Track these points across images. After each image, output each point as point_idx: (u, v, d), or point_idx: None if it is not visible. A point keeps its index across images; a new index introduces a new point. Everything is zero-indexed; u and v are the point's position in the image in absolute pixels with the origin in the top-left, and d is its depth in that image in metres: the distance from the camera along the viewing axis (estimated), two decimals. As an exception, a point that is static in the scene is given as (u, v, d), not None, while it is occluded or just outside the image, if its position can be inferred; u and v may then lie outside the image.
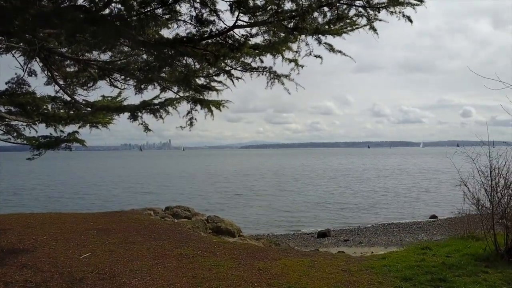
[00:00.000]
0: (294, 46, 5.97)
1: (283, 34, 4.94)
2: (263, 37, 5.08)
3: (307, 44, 5.04)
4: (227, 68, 6.08)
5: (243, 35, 5.10)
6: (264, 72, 5.82)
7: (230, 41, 5.13)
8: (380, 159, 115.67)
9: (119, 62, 7.22)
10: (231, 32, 5.01)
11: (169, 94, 8.25)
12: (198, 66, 6.22)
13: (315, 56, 5.24)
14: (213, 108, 7.25)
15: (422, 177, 47.29)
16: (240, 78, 6.38)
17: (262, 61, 5.77)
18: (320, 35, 4.98)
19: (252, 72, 5.82)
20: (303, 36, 5.12)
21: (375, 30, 4.85)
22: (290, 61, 6.12)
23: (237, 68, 5.88)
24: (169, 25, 6.43)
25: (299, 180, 44.53)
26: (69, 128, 9.66)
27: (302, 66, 5.80)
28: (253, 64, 5.78)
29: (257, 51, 5.87)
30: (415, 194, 31.98)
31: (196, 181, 44.53)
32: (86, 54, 7.42)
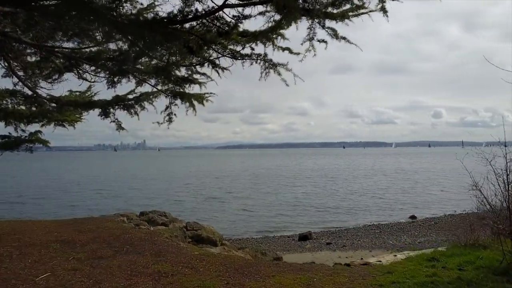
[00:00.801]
0: (286, 32, 5.31)
1: (279, 16, 4.24)
2: (259, 18, 4.34)
3: (308, 28, 4.37)
4: (213, 56, 5.29)
5: (234, 16, 4.36)
6: (258, 60, 5.09)
7: (218, 24, 4.38)
8: (355, 160, 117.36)
9: (88, 50, 6.34)
10: (220, 12, 4.27)
11: (145, 88, 7.43)
12: (179, 56, 5.43)
13: (319, 40, 4.57)
14: (195, 103, 6.46)
15: (397, 178, 47.83)
16: (226, 69, 5.64)
17: (253, 49, 5.06)
18: (321, 19, 4.32)
19: (244, 60, 5.08)
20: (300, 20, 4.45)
21: (386, 12, 4.23)
22: (283, 49, 5.45)
23: (227, 56, 5.11)
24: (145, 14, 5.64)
25: (276, 181, 44.05)
26: (32, 127, 8.65)
27: (298, 54, 5.13)
28: (244, 52, 5.03)
29: (245, 38, 5.17)
30: (392, 195, 32.06)
31: (171, 183, 43.16)
32: (49, 41, 6.48)
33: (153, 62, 6.63)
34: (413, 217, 22.22)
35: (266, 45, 5.37)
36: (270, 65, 5.16)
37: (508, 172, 4.70)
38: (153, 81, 6.56)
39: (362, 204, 27.28)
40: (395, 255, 9.12)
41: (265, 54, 5.09)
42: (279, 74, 5.19)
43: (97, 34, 5.30)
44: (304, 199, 29.29)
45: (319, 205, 26.41)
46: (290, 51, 5.47)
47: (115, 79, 6.99)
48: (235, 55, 5.03)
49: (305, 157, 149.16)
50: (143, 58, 6.33)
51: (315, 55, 4.71)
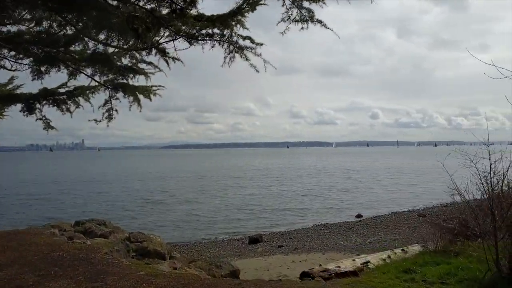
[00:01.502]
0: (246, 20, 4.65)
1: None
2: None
3: (283, 5, 3.72)
4: (163, 41, 4.43)
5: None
6: (222, 42, 4.32)
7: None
8: (299, 159, 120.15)
9: (4, 30, 5.14)
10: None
11: (80, 81, 6.31)
12: (121, 39, 4.50)
13: (297, 20, 3.93)
14: (140, 96, 5.49)
15: (340, 177, 49.19)
16: (177, 59, 4.82)
17: (210, 34, 4.30)
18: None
19: (204, 42, 4.29)
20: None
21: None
22: (244, 38, 4.77)
23: (183, 36, 4.27)
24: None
25: (222, 183, 43.20)
26: None
27: (261, 45, 4.48)
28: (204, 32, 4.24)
29: (200, 23, 4.41)
30: (337, 194, 32.67)
31: (111, 186, 40.14)
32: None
33: (89, 51, 5.61)
34: (359, 216, 22.60)
35: (225, 33, 4.67)
36: (236, 48, 4.42)
37: (492, 174, 4.41)
38: (89, 71, 5.53)
39: (308, 204, 27.42)
40: (354, 260, 8.84)
41: (230, 35, 4.35)
42: (247, 59, 4.48)
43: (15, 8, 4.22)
44: (251, 201, 28.76)
45: (266, 207, 26.05)
46: (252, 41, 4.81)
47: (42, 69, 5.83)
48: (192, 36, 4.22)
49: (251, 157, 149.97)
50: (77, 43, 5.29)
51: (302, 28, 4.06)
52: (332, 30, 4.17)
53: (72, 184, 42.64)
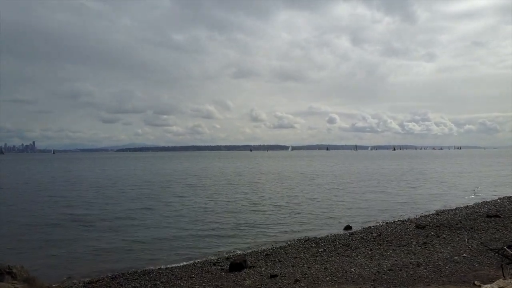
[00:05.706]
0: None
1: None
2: None
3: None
4: None
5: None
6: None
7: None
8: (260, 162, 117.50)
9: None
10: None
11: None
12: None
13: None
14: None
15: (304, 183, 45.26)
16: None
17: None
18: None
19: None
20: None
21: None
22: None
23: None
24: None
25: (177, 189, 38.25)
26: None
27: None
28: None
29: None
30: (309, 201, 29.41)
31: (38, 198, 32.28)
32: None
33: None
34: (348, 227, 19.63)
35: None
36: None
37: None
38: None
39: (282, 213, 23.83)
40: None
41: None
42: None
43: None
44: (215, 212, 24.45)
45: (234, 219, 22.03)
46: None
47: None
48: None
49: (211, 160, 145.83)
50: None
51: None
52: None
53: None
